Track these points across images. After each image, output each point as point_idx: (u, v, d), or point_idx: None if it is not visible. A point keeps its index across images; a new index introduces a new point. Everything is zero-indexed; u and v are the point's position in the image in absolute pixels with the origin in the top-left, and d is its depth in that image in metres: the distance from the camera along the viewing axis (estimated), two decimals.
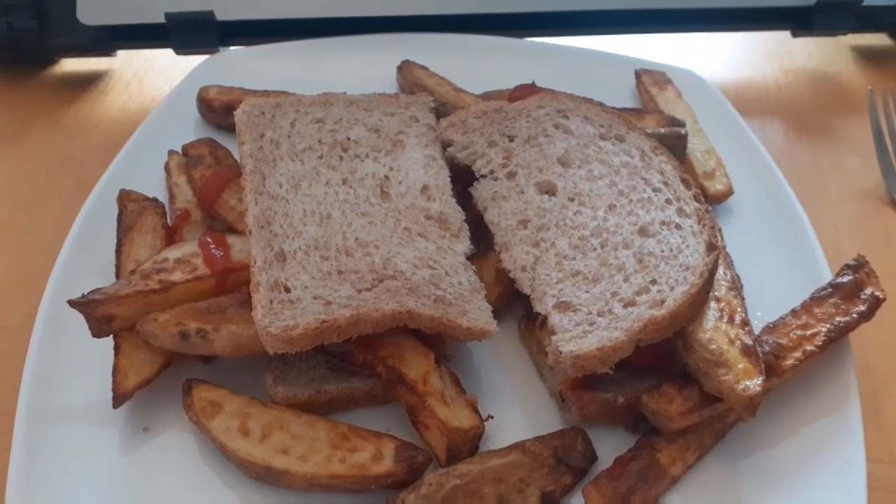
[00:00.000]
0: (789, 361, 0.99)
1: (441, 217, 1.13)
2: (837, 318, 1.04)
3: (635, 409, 0.98)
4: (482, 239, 1.16)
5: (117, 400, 0.98)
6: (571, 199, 1.14)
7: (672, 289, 1.00)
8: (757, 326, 1.03)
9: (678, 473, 0.95)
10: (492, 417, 0.99)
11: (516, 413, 1.04)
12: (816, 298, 1.07)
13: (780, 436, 1.00)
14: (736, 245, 1.19)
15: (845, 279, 1.08)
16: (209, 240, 1.09)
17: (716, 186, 1.32)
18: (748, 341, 0.97)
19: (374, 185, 1.16)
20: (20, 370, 1.03)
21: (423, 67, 1.54)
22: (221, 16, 1.69)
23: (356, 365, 1.01)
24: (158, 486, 0.95)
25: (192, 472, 0.97)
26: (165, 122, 1.45)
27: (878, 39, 1.96)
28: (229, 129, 1.33)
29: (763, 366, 0.94)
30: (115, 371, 0.99)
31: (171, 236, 1.18)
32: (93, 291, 1.00)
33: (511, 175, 1.19)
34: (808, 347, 1.00)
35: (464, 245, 1.11)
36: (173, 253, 1.08)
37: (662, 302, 0.99)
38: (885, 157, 1.52)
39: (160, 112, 1.48)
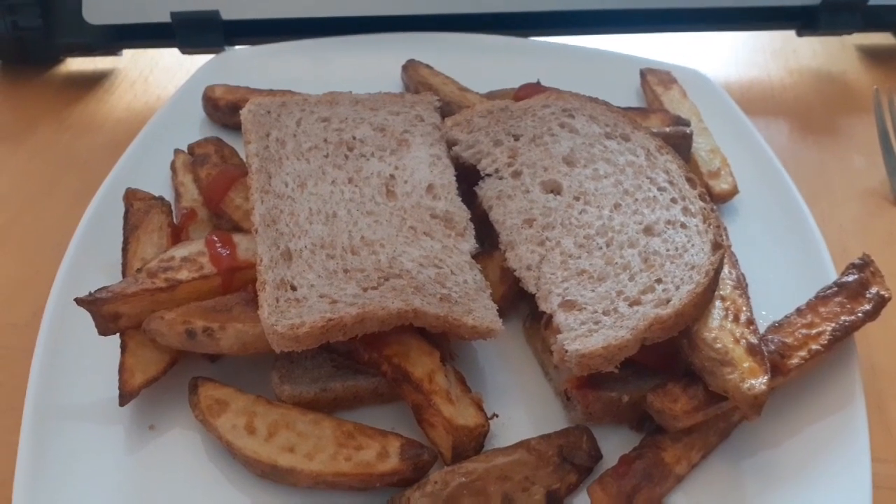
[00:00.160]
0: (794, 360, 0.99)
1: (446, 216, 1.13)
2: (842, 318, 1.04)
3: (640, 407, 0.98)
4: (487, 238, 1.16)
5: (123, 398, 0.98)
6: (577, 198, 1.14)
7: (677, 288, 1.00)
8: (762, 325, 1.03)
9: (683, 472, 0.95)
10: (497, 416, 0.99)
11: (521, 411, 1.04)
12: (822, 297, 1.07)
13: (785, 435, 1.00)
14: (741, 244, 1.18)
15: (850, 278, 1.08)
16: (215, 238, 1.09)
17: (721, 185, 1.32)
18: (753, 340, 0.97)
19: (380, 183, 1.16)
20: (27, 367, 1.03)
21: (429, 66, 1.54)
22: (227, 15, 1.70)
23: (362, 363, 1.01)
24: (164, 483, 0.95)
25: (197, 470, 0.97)
26: (171, 121, 1.45)
27: (883, 39, 1.96)
28: (235, 128, 1.33)
29: (768, 365, 0.94)
30: (122, 369, 1.00)
31: (177, 235, 1.18)
32: (99, 289, 1.01)
33: (516, 174, 1.19)
34: (814, 346, 1.00)
35: (469, 244, 1.11)
36: (180, 251, 1.08)
37: (668, 301, 0.99)
38: (891, 156, 1.52)
39: (166, 111, 1.48)
